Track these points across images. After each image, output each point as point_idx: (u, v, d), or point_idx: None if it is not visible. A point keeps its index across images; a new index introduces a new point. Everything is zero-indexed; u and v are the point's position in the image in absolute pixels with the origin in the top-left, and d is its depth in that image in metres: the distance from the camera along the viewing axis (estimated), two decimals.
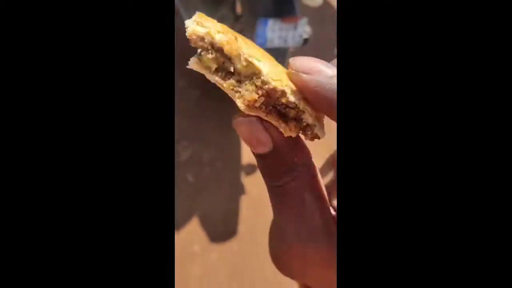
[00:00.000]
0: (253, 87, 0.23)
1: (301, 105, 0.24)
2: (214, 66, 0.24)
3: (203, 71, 0.24)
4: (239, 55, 0.24)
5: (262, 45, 1.38)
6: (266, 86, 0.23)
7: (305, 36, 1.43)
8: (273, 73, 0.24)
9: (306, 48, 1.50)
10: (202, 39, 0.24)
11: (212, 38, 0.23)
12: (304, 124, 0.24)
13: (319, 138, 0.25)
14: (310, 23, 1.46)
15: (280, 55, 1.49)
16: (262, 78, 0.23)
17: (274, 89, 0.23)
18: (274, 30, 1.34)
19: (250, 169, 1.90)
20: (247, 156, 1.93)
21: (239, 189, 1.86)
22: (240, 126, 0.25)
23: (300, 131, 0.25)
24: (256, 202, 1.83)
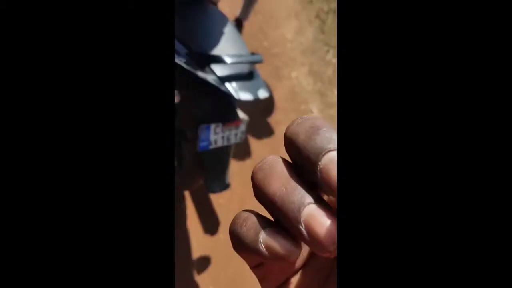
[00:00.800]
0: None
1: None
2: None
3: None
4: None
5: (206, 147, 1.36)
6: None
7: (246, 125, 1.46)
8: None
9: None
10: None
11: None
12: None
13: None
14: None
15: (224, 151, 1.49)
16: None
17: None
18: (217, 133, 1.34)
19: (202, 265, 1.78)
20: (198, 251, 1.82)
21: None
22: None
23: None
24: None
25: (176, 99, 1.40)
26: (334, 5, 3.28)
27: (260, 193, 0.19)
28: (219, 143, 1.38)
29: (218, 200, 1.92)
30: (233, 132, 1.39)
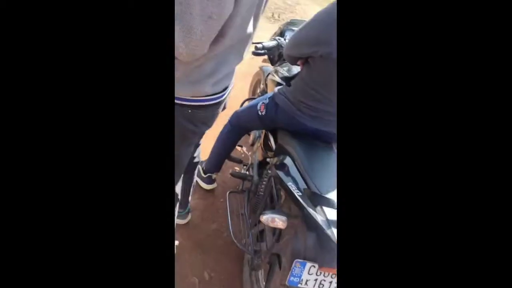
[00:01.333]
0: None
1: None
2: None
3: None
4: None
5: (295, 284, 1.31)
6: None
7: None
8: None
9: None
10: None
11: None
12: None
13: None
14: None
15: None
16: None
17: None
18: (311, 273, 1.29)
19: None
20: None
21: None
22: None
23: None
24: None
25: (283, 225, 1.45)
26: None
27: None
28: (310, 285, 1.31)
29: None
30: (329, 279, 1.31)
